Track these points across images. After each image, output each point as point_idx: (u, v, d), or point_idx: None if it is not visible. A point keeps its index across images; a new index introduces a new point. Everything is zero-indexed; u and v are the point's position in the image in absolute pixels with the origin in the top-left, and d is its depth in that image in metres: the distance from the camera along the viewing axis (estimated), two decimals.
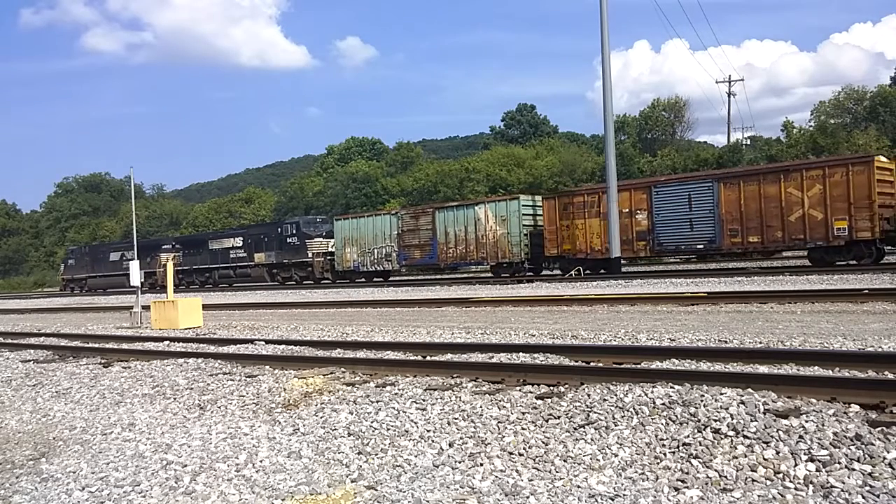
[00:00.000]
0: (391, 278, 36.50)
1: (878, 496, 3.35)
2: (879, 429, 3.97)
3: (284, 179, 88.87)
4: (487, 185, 50.99)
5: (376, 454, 4.74)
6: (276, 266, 39.21)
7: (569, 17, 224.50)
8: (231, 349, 9.94)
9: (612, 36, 27.27)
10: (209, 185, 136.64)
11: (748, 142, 54.27)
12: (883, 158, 23.02)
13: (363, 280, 35.75)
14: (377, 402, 5.87)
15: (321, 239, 37.38)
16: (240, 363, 8.44)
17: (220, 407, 6.52)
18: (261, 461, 4.78)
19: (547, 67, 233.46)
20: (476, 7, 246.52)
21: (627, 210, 26.33)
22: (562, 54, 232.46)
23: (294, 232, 38.49)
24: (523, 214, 29.55)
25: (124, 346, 11.65)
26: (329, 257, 36.77)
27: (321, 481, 4.32)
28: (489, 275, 31.25)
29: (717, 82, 63.21)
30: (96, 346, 11.70)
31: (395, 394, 6.07)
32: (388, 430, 5.17)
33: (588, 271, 27.51)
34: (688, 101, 60.95)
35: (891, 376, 5.28)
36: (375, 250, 34.36)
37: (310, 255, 37.00)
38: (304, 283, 37.91)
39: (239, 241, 41.92)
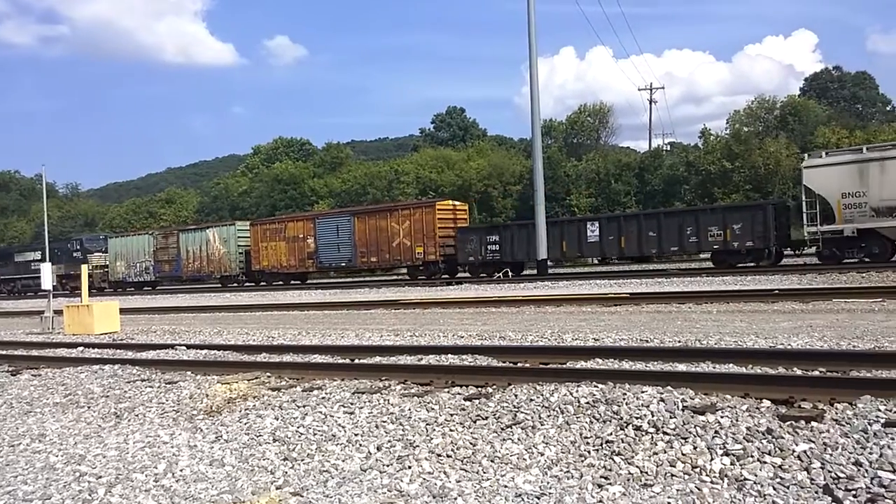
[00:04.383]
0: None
1: (787, 487, 3.51)
2: (789, 423, 4.16)
3: (208, 180, 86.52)
4: (417, 187, 50.96)
5: (302, 460, 4.66)
6: (65, 276, 42.83)
7: (497, 22, 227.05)
8: (150, 355, 9.62)
9: (538, 42, 27.77)
10: (127, 184, 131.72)
11: (668, 148, 56.15)
12: (452, 203, 32.57)
13: (133, 289, 41.21)
14: (304, 406, 5.78)
15: (100, 254, 43.74)
16: (159, 369, 8.16)
17: (137, 415, 6.29)
18: (181, 470, 4.63)
19: (476, 71, 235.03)
20: (406, 9, 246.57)
21: (302, 235, 34.16)
22: (490, 59, 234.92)
23: (79, 247, 44.89)
24: (239, 237, 36.72)
25: (34, 352, 11.10)
26: (105, 269, 43.03)
27: (245, 489, 4.22)
28: (406, 276, 33.34)
29: (639, 90, 65.14)
30: (3, 352, 11.09)
31: (323, 398, 5.99)
32: (315, 434, 5.10)
33: (280, 282, 35.12)
34: (612, 107, 62.32)
35: (799, 372, 5.55)
36: (138, 264, 41.27)
37: (91, 267, 39.83)
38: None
39: (38, 255, 46.06)
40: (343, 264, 33.31)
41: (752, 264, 23.14)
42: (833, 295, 12.39)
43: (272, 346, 9.85)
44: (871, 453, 3.68)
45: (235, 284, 36.71)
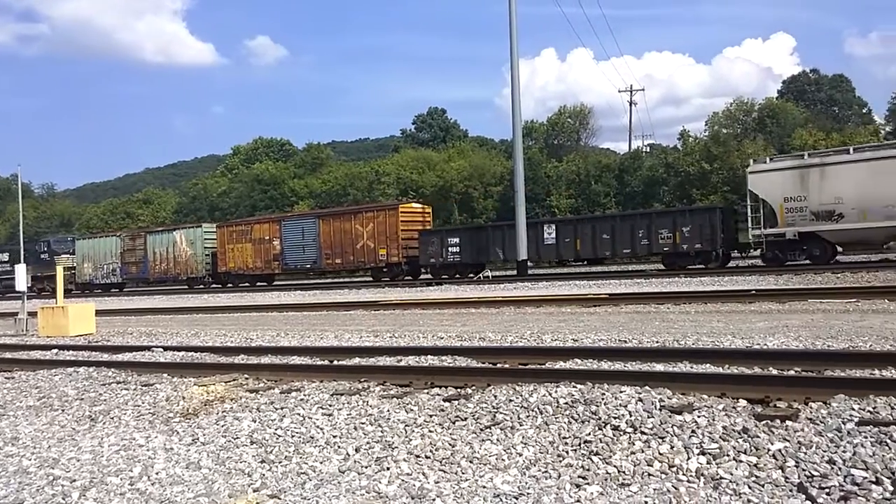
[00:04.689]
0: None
1: (762, 486, 3.54)
2: (764, 422, 4.20)
3: (187, 180, 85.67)
4: (398, 187, 50.86)
5: (280, 462, 4.63)
6: (33, 278, 44.24)
7: (478, 23, 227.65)
8: (126, 357, 9.51)
9: (520, 43, 27.85)
10: (105, 184, 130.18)
11: (648, 149, 56.53)
12: (415, 205, 33.21)
13: (100, 291, 40.70)
14: (282, 408, 5.74)
15: (68, 255, 43.11)
16: (135, 371, 8.07)
17: (112, 418, 6.21)
18: (157, 473, 4.58)
19: (457, 72, 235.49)
20: (387, 10, 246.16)
21: (267, 237, 34.57)
22: (471, 60, 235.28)
23: (46, 249, 44.14)
24: (206, 239, 36.90)
25: (7, 354, 10.92)
26: (72, 271, 41.89)
27: (221, 492, 4.18)
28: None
29: (619, 91, 65.54)
30: None
31: (301, 399, 5.95)
32: (293, 436, 5.06)
33: (247, 283, 35.39)
34: (592, 108, 62.71)
35: (775, 372, 5.61)
36: (105, 266, 41.38)
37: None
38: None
39: (6, 256, 46.04)
40: (308, 266, 33.82)
41: (700, 266, 23.82)
42: (808, 295, 12.55)
43: (250, 347, 9.78)
44: (844, 452, 3.73)
45: (202, 286, 36.86)
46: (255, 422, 5.47)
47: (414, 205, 33.79)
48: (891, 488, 3.31)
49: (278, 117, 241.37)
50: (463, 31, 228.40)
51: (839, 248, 22.68)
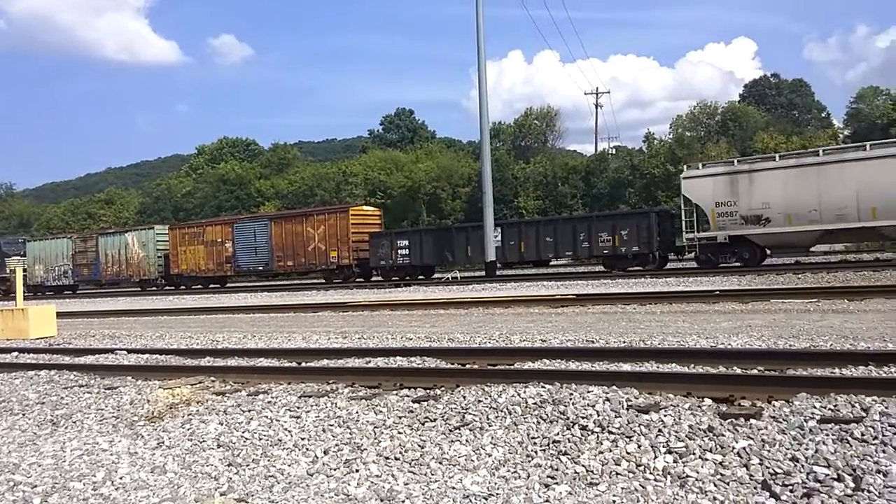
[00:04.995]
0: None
1: (727, 483, 3.60)
2: (729, 420, 4.28)
3: (150, 180, 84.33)
4: (366, 188, 50.63)
5: (247, 465, 4.58)
6: None
7: (446, 24, 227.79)
8: (89, 360, 9.33)
9: (487, 45, 27.94)
10: (65, 184, 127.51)
11: (614, 151, 57.10)
12: (366, 208, 33.81)
13: (52, 293, 40.52)
14: (249, 411, 5.68)
15: (18, 257, 42.64)
16: (98, 374, 7.91)
17: (75, 422, 6.09)
18: (121, 478, 4.49)
19: (425, 73, 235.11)
20: (355, 10, 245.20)
21: (220, 240, 34.78)
22: (439, 61, 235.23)
23: None
24: (158, 241, 36.97)
25: None
26: (24, 273, 41.00)
27: (187, 496, 4.12)
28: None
29: (585, 94, 66.35)
30: None
31: (269, 402, 5.90)
32: (261, 439, 5.02)
33: (199, 286, 35.16)
34: (559, 111, 63.21)
35: (739, 371, 5.71)
36: (57, 268, 41.34)
37: (8, 271, 39.93)
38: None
39: None
40: (260, 268, 34.18)
41: (638, 268, 24.56)
42: (771, 295, 12.79)
43: (217, 349, 9.65)
44: (806, 449, 3.80)
45: (155, 288, 37.16)
46: (221, 425, 5.41)
47: (365, 207, 34.30)
48: (852, 485, 3.39)
49: (244, 117, 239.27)
50: (431, 32, 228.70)
51: (768, 252, 23.50)
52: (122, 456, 4.96)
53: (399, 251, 29.44)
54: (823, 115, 62.38)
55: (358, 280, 30.93)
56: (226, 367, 7.80)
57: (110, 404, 6.46)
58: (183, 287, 36.04)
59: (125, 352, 9.81)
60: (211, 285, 35.79)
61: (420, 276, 29.44)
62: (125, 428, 5.75)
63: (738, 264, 22.29)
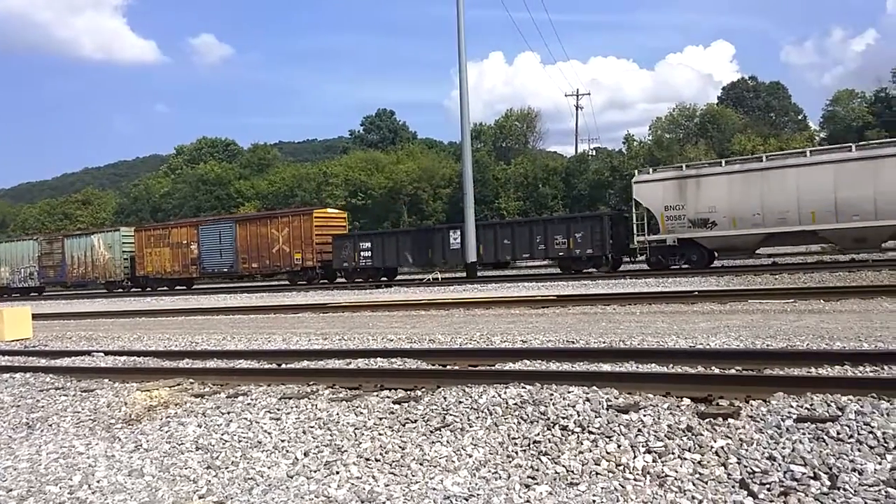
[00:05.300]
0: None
1: (706, 483, 3.63)
2: (707, 420, 4.31)
3: (128, 180, 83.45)
4: (346, 189, 50.47)
5: (227, 468, 4.54)
6: None
7: (428, 25, 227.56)
8: (65, 362, 9.21)
9: (468, 47, 28.03)
10: (42, 184, 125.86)
11: (594, 152, 57.44)
12: (331, 210, 34.24)
13: (17, 295, 40.31)
14: (228, 413, 5.64)
15: None
16: (75, 377, 7.82)
17: (51, 425, 6.01)
18: (98, 482, 4.44)
19: (406, 74, 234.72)
20: (336, 11, 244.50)
21: (185, 242, 35.05)
22: (421, 62, 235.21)
23: None
24: (124, 243, 37.22)
25: None
26: None
27: (165, 499, 4.08)
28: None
29: (565, 95, 66.69)
30: None
31: (248, 404, 5.86)
32: (240, 441, 4.98)
33: (165, 287, 35.68)
34: (539, 112, 63.62)
35: (717, 371, 5.76)
36: (23, 269, 41.48)
37: None
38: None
39: None
40: (225, 270, 34.47)
41: (593, 270, 25.13)
42: (748, 296, 12.92)
43: (195, 351, 9.56)
44: (784, 448, 3.84)
45: (121, 290, 37.33)
46: (200, 427, 5.36)
47: (329, 210, 34.84)
48: (828, 483, 3.43)
49: (223, 117, 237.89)
50: (412, 32, 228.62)
51: (716, 254, 24.00)
52: (98, 459, 4.90)
53: (362, 253, 29.80)
54: (800, 117, 63.09)
55: (322, 281, 31.25)
56: (205, 368, 7.73)
57: (87, 407, 6.39)
58: (149, 289, 36.30)
59: (102, 354, 9.70)
60: (177, 287, 36.04)
61: (383, 278, 29.83)
62: (102, 431, 5.68)
63: (686, 266, 22.93)
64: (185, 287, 36.16)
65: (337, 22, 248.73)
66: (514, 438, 4.45)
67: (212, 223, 36.17)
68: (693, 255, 23.11)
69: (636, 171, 26.05)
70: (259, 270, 33.35)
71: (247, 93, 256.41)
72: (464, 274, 27.76)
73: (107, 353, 9.76)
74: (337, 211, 35.29)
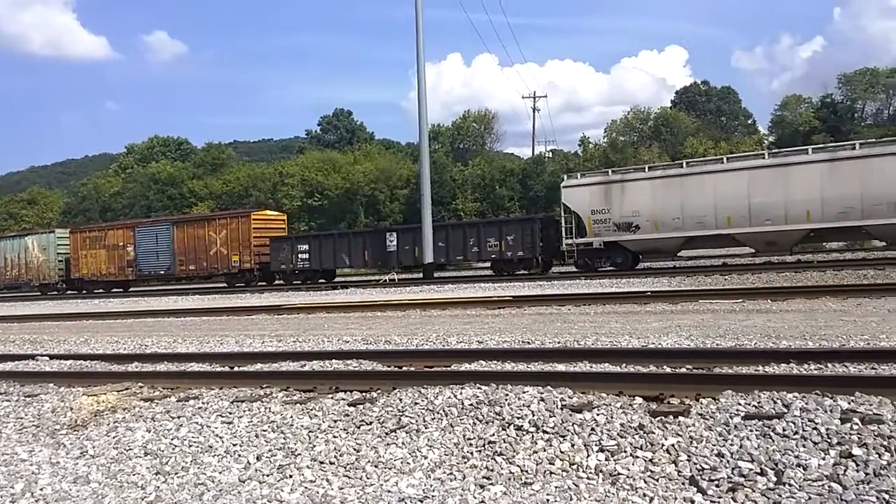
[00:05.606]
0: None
1: (657, 480, 3.68)
2: (659, 418, 4.38)
3: (76, 179, 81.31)
4: (303, 189, 49.99)
5: (176, 473, 4.44)
6: None
7: (386, 26, 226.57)
8: (7, 366, 8.90)
9: (426, 47, 28.04)
10: None
11: (550, 154, 58.02)
12: (269, 213, 34.43)
13: None
14: (178, 417, 5.52)
15: None
16: (17, 381, 7.56)
17: None
18: (41, 489, 4.30)
19: (364, 74, 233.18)
20: (293, 10, 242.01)
21: (122, 244, 34.89)
22: (379, 62, 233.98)
23: None
24: (59, 245, 36.86)
25: None
26: None
27: None
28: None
29: (522, 97, 67.12)
30: None
31: (199, 408, 5.74)
32: (191, 446, 4.88)
33: (101, 290, 35.34)
34: (496, 114, 63.96)
35: (668, 370, 5.86)
36: None
37: None
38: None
39: None
40: (162, 272, 34.31)
41: (524, 272, 25.67)
42: (699, 296, 13.18)
43: (145, 354, 9.36)
44: (732, 445, 3.92)
45: (56, 292, 36.85)
46: (149, 432, 5.24)
47: (268, 212, 34.98)
48: (774, 479, 3.51)
49: (176, 116, 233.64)
50: (370, 33, 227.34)
51: (640, 257, 24.77)
52: (42, 466, 4.75)
53: (300, 255, 29.93)
54: (750, 121, 64.72)
55: (261, 284, 31.27)
56: (154, 372, 7.57)
57: (30, 412, 6.19)
58: (84, 291, 35.77)
59: (47, 358, 9.42)
60: (113, 290, 35.66)
61: (321, 280, 29.97)
62: (46, 437, 5.51)
63: (612, 268, 23.63)
64: (121, 290, 35.66)
65: (294, 22, 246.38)
66: (469, 439, 4.46)
67: (148, 225, 36.06)
68: (618, 258, 23.84)
69: (565, 176, 26.75)
70: (196, 273, 33.20)
71: (201, 92, 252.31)
72: (420, 275, 27.75)
73: (52, 356, 9.49)
74: (276, 213, 35.40)
